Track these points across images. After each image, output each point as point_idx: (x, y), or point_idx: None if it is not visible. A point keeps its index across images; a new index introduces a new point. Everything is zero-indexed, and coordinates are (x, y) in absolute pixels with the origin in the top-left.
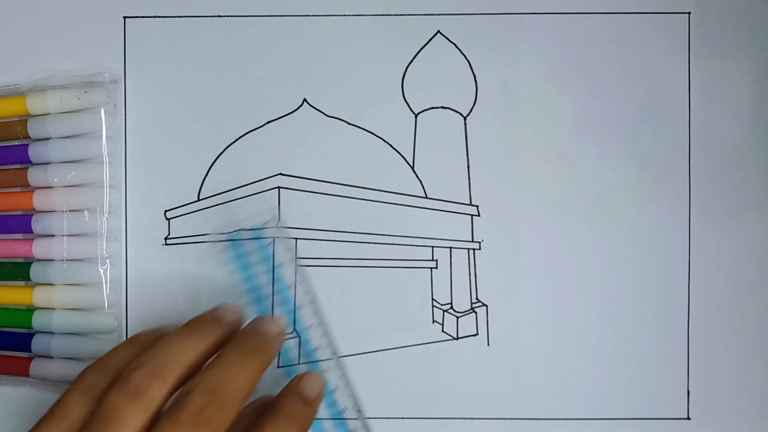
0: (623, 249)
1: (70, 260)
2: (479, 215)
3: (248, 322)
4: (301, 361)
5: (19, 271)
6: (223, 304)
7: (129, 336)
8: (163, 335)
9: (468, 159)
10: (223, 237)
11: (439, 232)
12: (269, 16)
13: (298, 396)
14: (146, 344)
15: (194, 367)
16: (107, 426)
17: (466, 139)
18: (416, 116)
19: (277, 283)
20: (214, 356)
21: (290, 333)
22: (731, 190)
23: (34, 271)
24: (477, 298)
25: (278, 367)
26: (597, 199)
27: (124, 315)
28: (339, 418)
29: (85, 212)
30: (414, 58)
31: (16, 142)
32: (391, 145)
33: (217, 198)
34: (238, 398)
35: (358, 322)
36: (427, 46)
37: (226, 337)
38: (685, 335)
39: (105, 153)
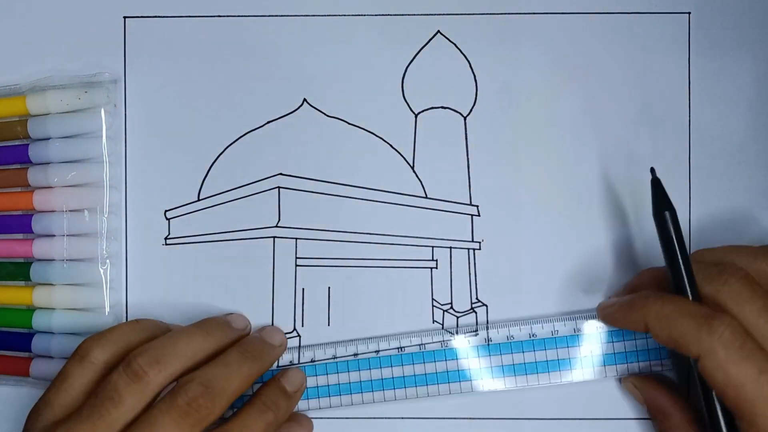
0: (623, 249)
1: (70, 260)
2: (479, 215)
3: (257, 330)
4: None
5: (19, 271)
6: (234, 313)
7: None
8: (163, 327)
9: (468, 159)
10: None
11: (439, 232)
12: (269, 16)
13: (278, 387)
14: (149, 329)
15: (195, 362)
16: (106, 402)
17: (466, 139)
18: (416, 116)
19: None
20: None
21: (290, 332)
22: (731, 190)
23: (34, 271)
24: (477, 298)
25: (278, 367)
26: (597, 199)
27: (124, 315)
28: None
29: (85, 212)
30: (414, 58)
31: (16, 142)
32: (391, 145)
33: (217, 198)
34: (229, 396)
35: (359, 322)
36: (427, 46)
37: (231, 341)
38: None
39: (105, 153)
